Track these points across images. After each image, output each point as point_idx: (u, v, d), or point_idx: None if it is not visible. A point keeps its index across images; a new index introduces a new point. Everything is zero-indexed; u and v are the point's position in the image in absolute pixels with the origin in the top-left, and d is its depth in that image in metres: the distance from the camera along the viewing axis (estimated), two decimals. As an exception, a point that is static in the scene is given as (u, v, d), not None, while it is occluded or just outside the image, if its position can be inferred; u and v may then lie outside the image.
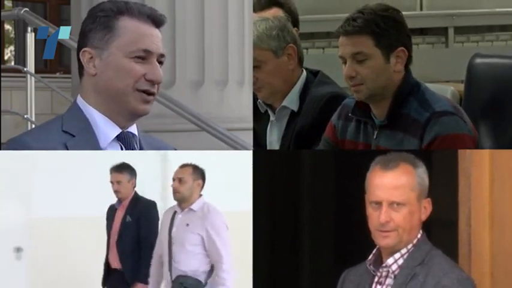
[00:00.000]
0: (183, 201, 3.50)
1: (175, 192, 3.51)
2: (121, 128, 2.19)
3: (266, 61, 3.37)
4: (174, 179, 3.52)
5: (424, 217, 2.31)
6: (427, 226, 2.34)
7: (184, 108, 4.49)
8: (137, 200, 3.95)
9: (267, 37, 3.37)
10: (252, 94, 3.65)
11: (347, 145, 3.01)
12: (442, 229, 2.67)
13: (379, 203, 2.28)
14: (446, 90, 3.82)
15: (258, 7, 4.07)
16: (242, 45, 5.37)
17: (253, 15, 4.09)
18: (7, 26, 9.88)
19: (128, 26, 2.14)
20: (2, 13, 5.70)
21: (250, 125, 3.57)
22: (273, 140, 3.44)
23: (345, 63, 2.89)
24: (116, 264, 3.93)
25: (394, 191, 2.28)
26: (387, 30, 2.85)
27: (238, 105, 5.27)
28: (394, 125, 2.86)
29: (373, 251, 2.33)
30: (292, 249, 3.12)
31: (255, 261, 3.10)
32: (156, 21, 2.18)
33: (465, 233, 2.65)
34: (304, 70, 3.44)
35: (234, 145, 4.29)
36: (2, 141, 4.33)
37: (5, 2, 9.10)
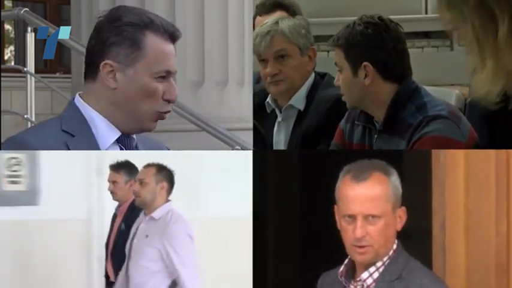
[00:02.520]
0: (144, 206, 3.12)
1: (136, 196, 3.13)
2: (120, 131, 2.19)
3: (293, 56, 3.40)
4: (135, 181, 3.18)
5: (399, 227, 2.20)
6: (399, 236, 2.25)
7: (184, 108, 4.49)
8: (135, 205, 3.45)
9: (297, 33, 3.40)
10: (252, 94, 3.65)
11: (355, 147, 3.03)
12: (415, 239, 2.60)
13: (353, 217, 2.16)
14: (451, 93, 3.81)
15: (262, 10, 4.08)
16: (242, 46, 5.38)
17: (258, 18, 4.10)
18: (7, 26, 9.88)
19: (154, 44, 2.13)
20: (2, 13, 5.70)
21: (250, 125, 3.56)
22: (280, 140, 3.44)
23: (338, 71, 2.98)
24: (112, 277, 3.62)
25: (368, 203, 2.16)
26: (354, 45, 2.90)
27: (238, 105, 5.27)
28: (391, 130, 2.87)
29: (345, 261, 2.24)
30: (294, 251, 3.12)
31: (255, 262, 3.10)
32: (175, 37, 2.18)
33: (439, 243, 2.54)
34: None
35: (234, 145, 4.29)
36: (2, 141, 4.33)
37: (5, 2, 9.10)
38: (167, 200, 3.10)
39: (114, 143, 2.18)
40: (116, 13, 2.17)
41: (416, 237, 2.57)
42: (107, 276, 3.71)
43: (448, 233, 2.49)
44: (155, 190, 3.08)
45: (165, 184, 3.09)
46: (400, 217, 2.21)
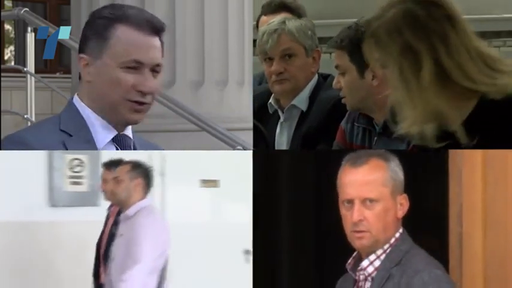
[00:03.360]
0: (120, 204, 3.07)
1: (111, 194, 3.08)
2: (117, 130, 2.19)
3: (298, 55, 3.41)
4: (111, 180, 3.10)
5: (400, 214, 2.21)
6: (414, 227, 2.24)
7: (184, 108, 4.49)
8: None
9: (304, 34, 3.41)
10: (252, 94, 3.65)
11: (354, 148, 3.03)
12: (431, 230, 2.59)
13: (351, 202, 2.19)
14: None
15: (268, 10, 4.10)
16: (242, 46, 5.37)
17: (263, 18, 4.11)
18: (7, 26, 9.88)
19: (123, 35, 2.13)
20: (2, 13, 5.70)
21: (250, 125, 3.57)
22: (283, 141, 3.45)
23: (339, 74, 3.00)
24: (103, 278, 3.54)
25: (365, 187, 2.18)
26: (360, 47, 2.89)
27: (238, 105, 5.27)
28: (388, 132, 2.87)
29: (354, 254, 2.25)
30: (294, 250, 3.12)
31: (255, 262, 3.10)
32: (155, 28, 2.16)
33: (456, 234, 2.53)
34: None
35: (234, 145, 4.29)
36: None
37: (5, 2, 9.09)
38: (144, 197, 3.04)
39: (110, 142, 2.18)
40: (97, 10, 2.22)
41: (432, 229, 2.58)
42: (95, 276, 3.66)
43: (465, 225, 2.48)
44: (129, 187, 3.04)
45: (140, 181, 3.05)
46: (402, 204, 2.21)
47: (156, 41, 2.16)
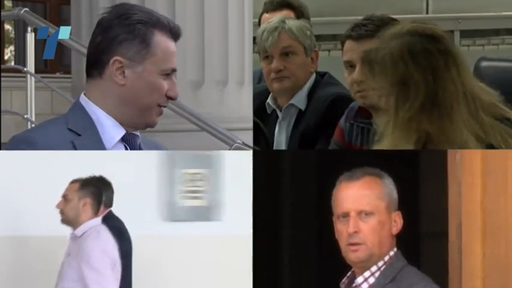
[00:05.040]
0: (69, 224, 2.97)
1: (60, 213, 2.97)
2: (125, 129, 2.20)
3: (298, 54, 3.41)
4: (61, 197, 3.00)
5: (395, 231, 2.22)
6: (414, 238, 2.27)
7: (184, 108, 4.49)
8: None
9: (303, 33, 3.41)
10: (252, 94, 3.65)
11: (353, 148, 3.02)
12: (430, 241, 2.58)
13: (346, 215, 2.20)
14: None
15: (270, 7, 4.10)
16: (242, 45, 5.38)
17: (265, 15, 4.11)
18: (7, 26, 9.88)
19: (161, 42, 2.17)
20: (2, 13, 5.70)
21: (250, 125, 3.57)
22: (281, 140, 3.44)
23: (350, 68, 2.90)
24: None
25: (361, 199, 2.21)
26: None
27: (238, 105, 5.27)
28: None
29: (348, 274, 2.26)
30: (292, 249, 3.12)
31: (255, 262, 3.10)
32: (177, 36, 2.22)
33: (455, 246, 2.47)
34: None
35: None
36: (2, 141, 4.33)
37: (5, 2, 9.10)
38: (94, 216, 2.96)
39: (119, 141, 2.19)
40: (123, 10, 2.19)
41: (432, 239, 2.58)
42: None
43: (465, 235, 2.44)
44: (78, 206, 2.95)
45: (88, 200, 2.95)
46: (396, 221, 2.23)
47: (175, 46, 2.23)
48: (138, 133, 2.24)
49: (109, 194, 3.02)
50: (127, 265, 2.93)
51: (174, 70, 2.20)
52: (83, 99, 2.20)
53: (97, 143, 2.16)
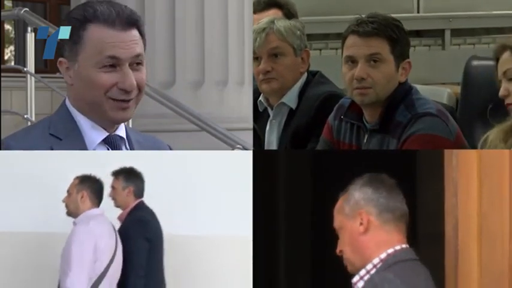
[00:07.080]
0: (71, 216, 3.21)
1: (65, 207, 3.23)
2: (108, 131, 2.17)
3: (286, 55, 3.39)
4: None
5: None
6: (411, 239, 2.26)
7: (184, 108, 4.49)
8: (131, 213, 3.34)
9: (292, 33, 3.40)
10: (252, 94, 3.65)
11: (341, 146, 3.01)
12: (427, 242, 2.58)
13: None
14: (442, 92, 3.82)
15: (257, 8, 4.08)
16: (242, 46, 5.38)
17: (253, 16, 4.10)
18: (7, 26, 9.87)
19: (93, 35, 2.11)
20: (2, 13, 5.70)
21: (250, 125, 3.57)
22: (272, 139, 3.44)
23: (351, 63, 2.87)
24: None
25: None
26: (400, 40, 2.86)
27: (238, 105, 5.28)
28: (383, 129, 2.85)
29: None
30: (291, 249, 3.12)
31: (255, 262, 3.10)
32: (128, 20, 2.13)
33: (452, 246, 2.47)
34: None
35: (234, 145, 4.29)
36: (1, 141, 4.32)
37: (5, 2, 9.09)
38: (92, 207, 3.20)
39: (101, 143, 2.16)
40: (70, 11, 2.20)
41: (428, 241, 2.58)
42: None
43: (461, 236, 2.44)
44: (76, 199, 3.19)
45: (84, 193, 3.19)
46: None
47: (130, 33, 2.12)
48: (124, 135, 2.19)
49: (139, 185, 3.33)
50: (153, 257, 3.24)
51: (116, 58, 2.09)
52: (67, 102, 2.21)
53: (79, 147, 2.13)
